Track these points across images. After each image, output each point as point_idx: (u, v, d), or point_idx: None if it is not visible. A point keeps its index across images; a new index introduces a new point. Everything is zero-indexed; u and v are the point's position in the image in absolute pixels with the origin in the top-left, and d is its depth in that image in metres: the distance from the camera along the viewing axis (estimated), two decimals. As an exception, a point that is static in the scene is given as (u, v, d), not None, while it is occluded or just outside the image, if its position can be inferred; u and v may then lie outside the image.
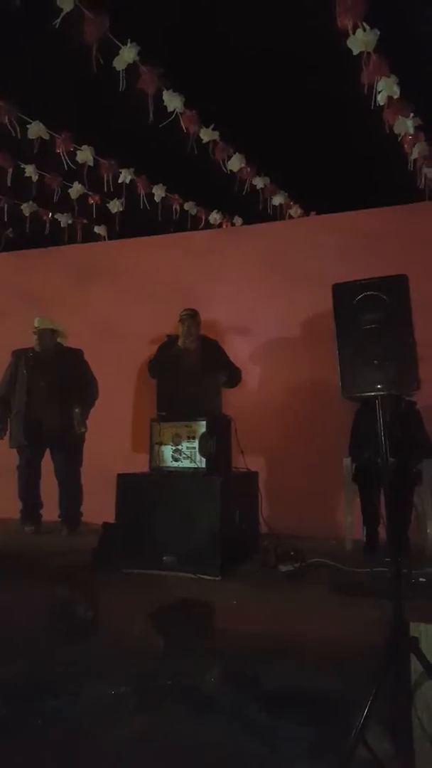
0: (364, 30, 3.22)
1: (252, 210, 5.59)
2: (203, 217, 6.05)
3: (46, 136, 4.42)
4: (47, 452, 4.92)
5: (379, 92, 3.55)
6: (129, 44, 3.52)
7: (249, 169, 5.03)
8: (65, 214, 6.07)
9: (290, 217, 5.90)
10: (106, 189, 5.13)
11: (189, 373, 4.49)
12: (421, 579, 3.27)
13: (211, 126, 4.32)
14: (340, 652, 2.38)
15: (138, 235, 5.83)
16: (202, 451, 3.84)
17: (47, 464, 4.93)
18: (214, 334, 4.95)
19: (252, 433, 4.34)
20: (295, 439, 4.94)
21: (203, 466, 3.83)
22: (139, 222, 5.69)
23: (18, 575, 3.62)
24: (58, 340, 4.99)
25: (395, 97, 3.62)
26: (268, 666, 2.34)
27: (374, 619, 2.25)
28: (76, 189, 5.41)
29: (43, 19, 3.22)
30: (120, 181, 5.14)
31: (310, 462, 4.82)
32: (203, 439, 3.85)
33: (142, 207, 5.43)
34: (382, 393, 1.95)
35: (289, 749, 1.80)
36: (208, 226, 6.10)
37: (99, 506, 4.19)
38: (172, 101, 3.89)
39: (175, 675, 2.23)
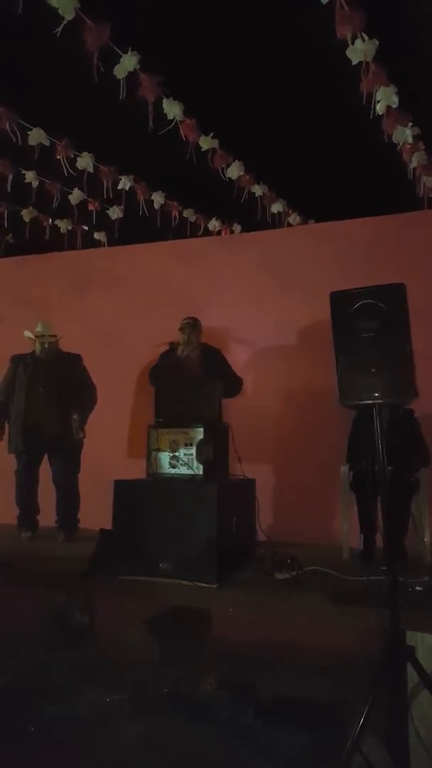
0: (363, 40, 3.25)
1: (251, 218, 5.62)
2: (202, 225, 6.08)
3: (47, 143, 4.44)
4: (45, 458, 4.91)
5: (378, 101, 3.58)
6: (130, 52, 3.55)
7: (248, 177, 5.06)
8: (65, 220, 6.09)
9: (289, 225, 5.92)
10: (105, 195, 5.16)
11: (189, 381, 4.49)
12: (417, 588, 3.26)
13: (211, 134, 4.34)
14: (336, 661, 2.38)
15: (137, 241, 5.85)
16: (200, 457, 3.83)
17: (45, 470, 4.92)
18: (211, 341, 4.95)
19: (250, 440, 4.34)
20: (292, 447, 4.94)
21: (200, 473, 3.82)
22: (139, 229, 5.71)
23: (14, 581, 3.60)
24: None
25: (394, 106, 3.65)
26: (265, 674, 2.33)
27: (371, 628, 2.24)
28: (75, 195, 5.44)
29: (44, 27, 3.25)
30: (119, 187, 5.17)
31: (308, 470, 4.81)
32: (200, 446, 3.84)
33: (141, 214, 5.45)
34: (379, 401, 1.95)
35: (286, 758, 1.79)
36: (207, 233, 6.12)
37: (96, 512, 4.17)
38: (172, 109, 3.92)
39: (171, 682, 2.22)
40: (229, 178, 4.84)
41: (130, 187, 5.22)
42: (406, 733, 1.74)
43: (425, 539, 4.06)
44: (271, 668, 2.37)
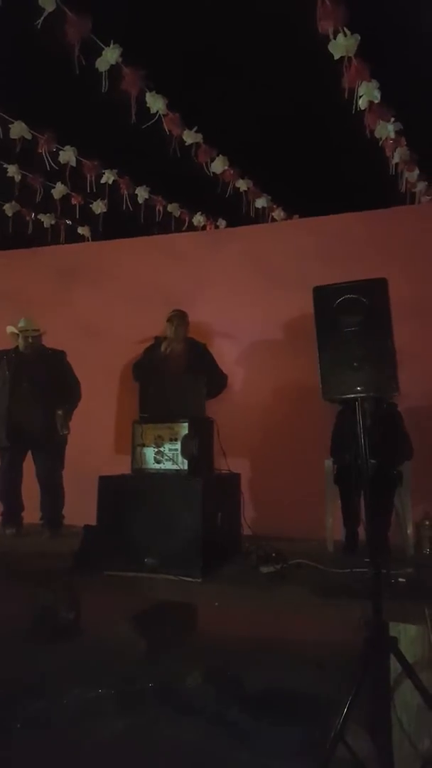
0: (345, 35, 3.25)
1: (235, 213, 5.61)
2: (187, 219, 6.05)
3: (29, 136, 4.39)
4: (29, 454, 4.88)
5: (361, 97, 3.59)
6: (112, 45, 3.52)
7: (232, 172, 5.05)
8: (48, 214, 6.03)
9: (273, 220, 5.92)
10: (89, 190, 5.12)
11: (173, 376, 4.48)
12: (400, 579, 3.29)
13: (195, 128, 4.32)
14: (320, 653, 2.40)
15: (121, 236, 5.81)
16: (185, 452, 3.83)
17: (29, 466, 4.89)
18: (196, 336, 4.95)
19: (234, 434, 4.35)
20: (277, 441, 4.96)
21: (185, 467, 3.82)
22: (123, 223, 5.68)
23: (-2, 578, 3.58)
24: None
25: (376, 101, 3.66)
26: (249, 667, 2.35)
27: (354, 620, 2.26)
28: (59, 189, 5.39)
29: (24, 19, 3.21)
30: (103, 182, 5.13)
31: (292, 464, 4.84)
32: (185, 441, 3.84)
33: (125, 208, 5.42)
34: (362, 395, 1.96)
35: (270, 750, 1.80)
36: (192, 228, 6.10)
37: (81, 508, 4.15)
38: (155, 103, 3.89)
39: (156, 677, 2.23)
40: (214, 173, 4.83)
41: (113, 182, 5.18)
42: (390, 723, 1.76)
43: (408, 531, 4.10)
44: (256, 661, 2.39)
